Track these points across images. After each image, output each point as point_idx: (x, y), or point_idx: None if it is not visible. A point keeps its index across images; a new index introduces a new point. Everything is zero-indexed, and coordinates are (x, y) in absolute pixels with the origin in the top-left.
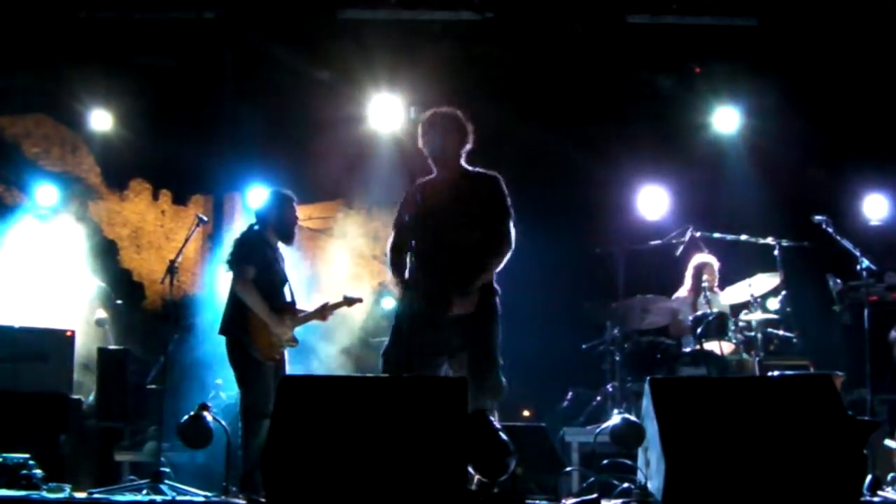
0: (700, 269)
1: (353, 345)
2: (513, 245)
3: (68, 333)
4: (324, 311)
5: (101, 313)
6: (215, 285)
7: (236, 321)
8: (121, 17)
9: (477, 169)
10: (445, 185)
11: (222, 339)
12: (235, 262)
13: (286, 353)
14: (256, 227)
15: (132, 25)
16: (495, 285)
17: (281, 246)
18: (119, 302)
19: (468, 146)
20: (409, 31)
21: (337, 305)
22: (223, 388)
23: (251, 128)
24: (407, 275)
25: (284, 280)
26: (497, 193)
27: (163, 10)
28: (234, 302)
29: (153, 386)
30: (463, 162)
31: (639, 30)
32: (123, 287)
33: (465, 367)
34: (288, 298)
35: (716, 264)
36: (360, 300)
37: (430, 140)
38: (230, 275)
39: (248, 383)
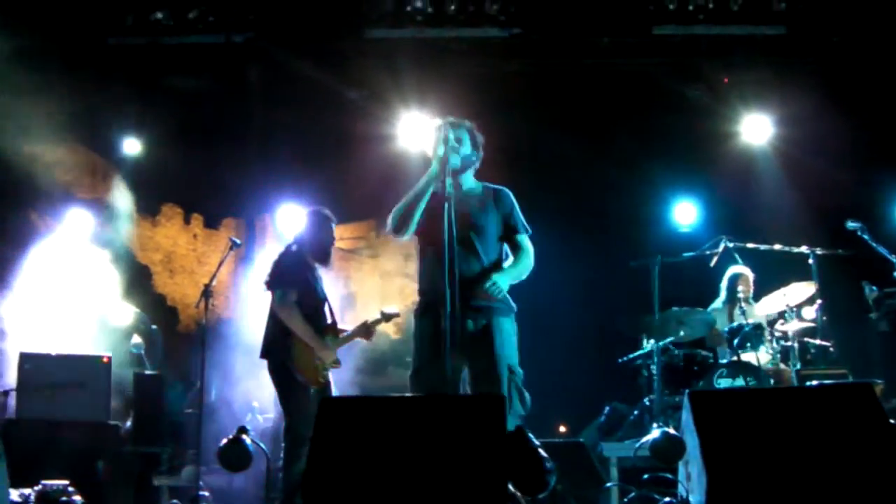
0: (735, 280)
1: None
2: (533, 260)
3: (105, 360)
4: (366, 329)
5: (137, 339)
6: (249, 308)
7: (279, 344)
8: (150, 43)
9: (487, 183)
10: (459, 197)
11: (258, 362)
12: (277, 285)
13: (331, 376)
14: (294, 248)
15: (161, 51)
16: (511, 302)
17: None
18: (154, 327)
19: (480, 158)
20: (436, 49)
21: (377, 322)
22: (259, 411)
23: (281, 149)
24: (421, 289)
25: (325, 300)
26: (514, 207)
27: (191, 34)
28: (276, 325)
29: (190, 410)
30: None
31: (665, 41)
32: (157, 312)
33: (485, 379)
34: (329, 319)
35: (750, 275)
36: (397, 314)
37: (445, 146)
38: (268, 297)
39: (292, 407)
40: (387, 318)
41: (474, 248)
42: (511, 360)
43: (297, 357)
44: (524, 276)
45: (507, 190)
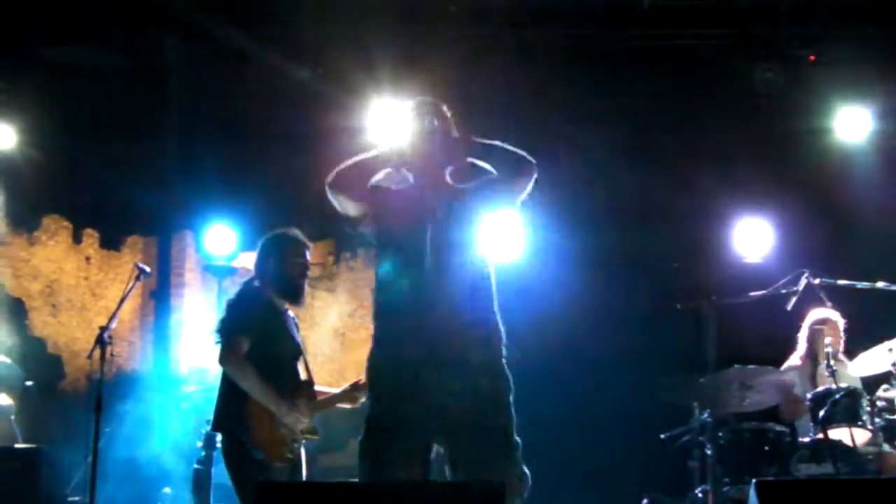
0: (818, 329)
1: None
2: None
3: None
4: (354, 393)
5: (5, 399)
6: (164, 359)
7: (231, 412)
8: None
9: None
10: (431, 195)
11: (172, 435)
12: (223, 331)
13: (302, 450)
14: (256, 283)
15: (42, 10)
16: (502, 332)
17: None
18: (29, 383)
19: None
20: (418, 12)
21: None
22: (172, 501)
23: (207, 146)
24: (375, 322)
25: (297, 352)
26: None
27: None
28: (228, 386)
29: (75, 498)
30: None
31: (727, 5)
32: (34, 362)
33: (465, 452)
34: (303, 376)
35: (840, 322)
36: None
37: (416, 128)
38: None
39: (246, 496)
40: None
41: (457, 260)
42: (509, 424)
43: (252, 427)
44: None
45: None
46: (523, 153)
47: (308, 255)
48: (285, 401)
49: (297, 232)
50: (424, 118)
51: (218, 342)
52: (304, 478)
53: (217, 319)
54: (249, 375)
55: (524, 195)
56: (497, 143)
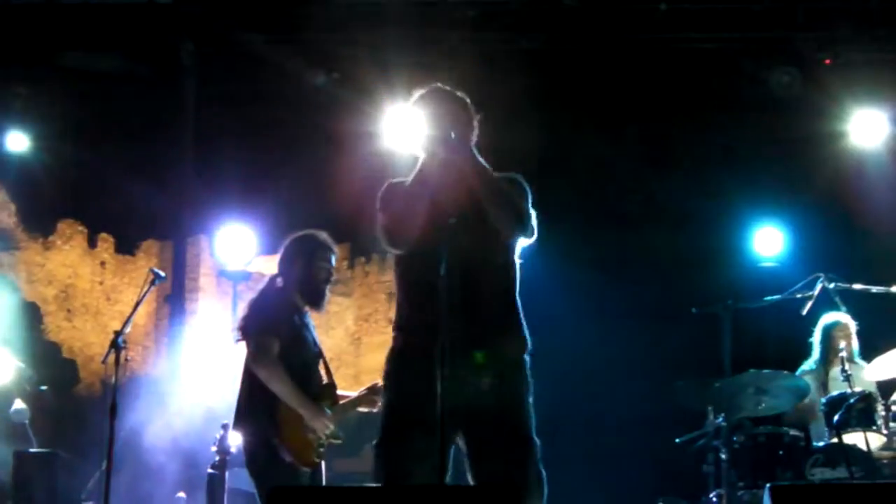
0: (830, 332)
1: None
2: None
3: None
4: (372, 396)
5: (19, 403)
6: (178, 363)
7: (260, 414)
8: (43, 4)
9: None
10: (455, 188)
11: (195, 437)
12: (254, 332)
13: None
14: (280, 283)
15: (58, 15)
16: (525, 332)
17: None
18: (44, 388)
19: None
20: (432, 17)
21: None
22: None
23: (222, 151)
24: (397, 329)
25: (318, 354)
26: (527, 203)
27: None
28: (254, 387)
29: (90, 503)
30: None
31: (745, 8)
32: (49, 367)
33: (484, 451)
34: (325, 379)
35: (852, 324)
36: None
37: (438, 120)
38: (242, 348)
39: None
40: None
41: (482, 255)
42: (529, 424)
43: (284, 430)
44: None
45: (517, 178)
46: (522, 212)
47: (334, 261)
48: (315, 405)
49: (325, 235)
50: (442, 123)
51: (238, 340)
52: (324, 482)
53: (239, 317)
54: (283, 378)
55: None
56: (507, 189)
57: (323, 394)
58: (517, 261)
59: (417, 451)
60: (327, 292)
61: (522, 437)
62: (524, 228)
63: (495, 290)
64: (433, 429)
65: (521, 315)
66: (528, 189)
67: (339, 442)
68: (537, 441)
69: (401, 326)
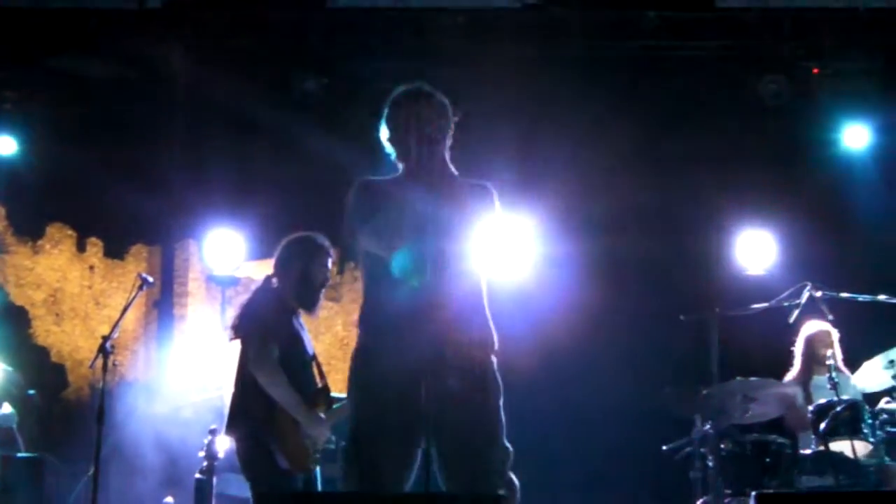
0: (813, 343)
1: None
2: None
3: None
4: None
5: (7, 408)
6: (166, 368)
7: (257, 417)
8: (31, 8)
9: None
10: (430, 191)
11: (177, 444)
12: (253, 332)
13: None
14: (275, 285)
15: (48, 17)
16: (492, 333)
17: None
18: (31, 392)
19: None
20: (422, 24)
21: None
22: None
23: (212, 155)
24: (364, 327)
25: (312, 358)
26: (491, 213)
27: None
28: (249, 390)
29: None
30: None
31: (733, 18)
32: (37, 371)
33: (453, 456)
34: (319, 383)
35: (835, 334)
36: None
37: (415, 122)
38: (234, 348)
39: None
40: None
41: (459, 262)
42: (497, 429)
43: (281, 436)
44: None
45: (490, 188)
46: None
47: (330, 265)
48: (312, 410)
49: (324, 238)
50: (425, 125)
51: (232, 338)
52: (318, 488)
53: (234, 316)
54: (282, 383)
55: None
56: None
57: (317, 397)
58: (487, 263)
59: (388, 451)
60: (322, 297)
61: (491, 441)
62: None
63: (463, 292)
64: (403, 428)
65: (489, 317)
66: (494, 198)
67: (332, 446)
68: (509, 447)
69: (366, 323)
